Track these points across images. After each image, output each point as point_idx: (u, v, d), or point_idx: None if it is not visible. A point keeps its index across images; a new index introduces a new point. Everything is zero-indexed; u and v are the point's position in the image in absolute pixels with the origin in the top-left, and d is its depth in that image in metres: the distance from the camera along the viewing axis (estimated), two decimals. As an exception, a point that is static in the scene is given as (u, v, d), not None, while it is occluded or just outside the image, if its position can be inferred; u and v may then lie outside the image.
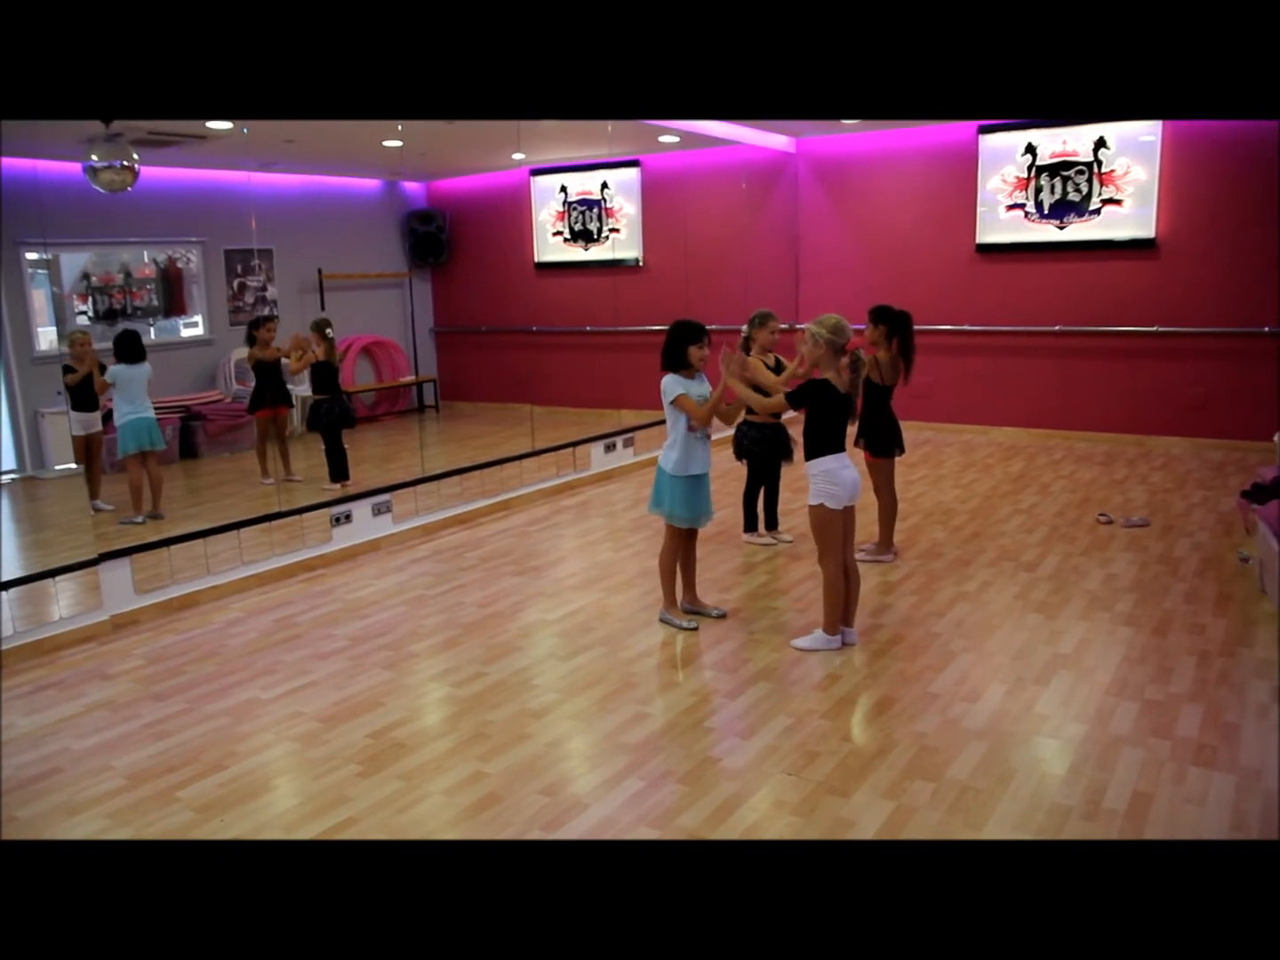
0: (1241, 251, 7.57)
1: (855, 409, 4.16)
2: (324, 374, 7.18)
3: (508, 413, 10.23)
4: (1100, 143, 7.99)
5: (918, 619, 4.46)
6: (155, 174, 7.61)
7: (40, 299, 7.56)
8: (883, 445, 5.13)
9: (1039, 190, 8.29)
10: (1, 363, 7.14)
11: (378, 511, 5.98)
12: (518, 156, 9.88)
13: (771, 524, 5.74)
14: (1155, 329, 8.00)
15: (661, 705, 3.68)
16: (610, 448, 7.81)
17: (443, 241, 10.95)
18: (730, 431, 5.56)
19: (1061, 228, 8.25)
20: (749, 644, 4.23)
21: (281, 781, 3.24)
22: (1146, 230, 7.91)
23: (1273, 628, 4.21)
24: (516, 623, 4.60)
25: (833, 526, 4.03)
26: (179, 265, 8.57)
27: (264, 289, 9.14)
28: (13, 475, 7.17)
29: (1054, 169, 8.21)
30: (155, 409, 6.47)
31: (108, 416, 6.43)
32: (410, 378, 10.78)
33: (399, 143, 8.33)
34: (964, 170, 8.60)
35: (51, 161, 6.11)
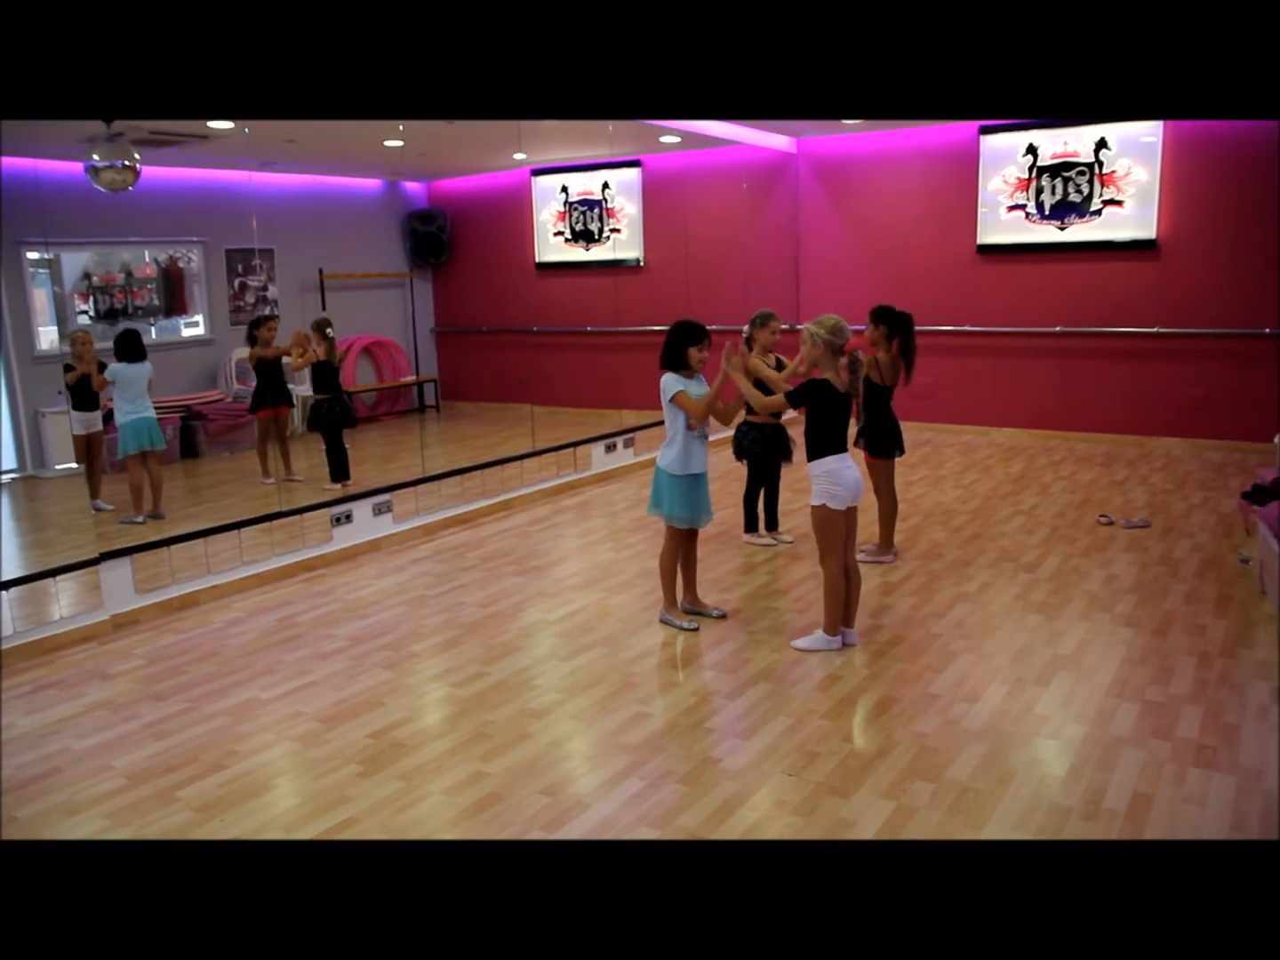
0: (1242, 253, 7.57)
1: (855, 409, 4.16)
2: (325, 374, 7.18)
3: (508, 413, 10.23)
4: (1101, 144, 7.98)
5: (918, 620, 4.46)
6: (156, 173, 7.61)
7: (41, 298, 7.57)
8: (883, 446, 5.13)
9: (1040, 191, 8.29)
10: (2, 362, 7.15)
11: (378, 511, 5.98)
12: (519, 156, 9.88)
13: (772, 524, 5.74)
14: (1156, 330, 8.00)
15: (662, 705, 3.68)
16: (611, 448, 7.82)
17: (444, 241, 10.96)
18: (730, 432, 5.56)
19: (1062, 228, 8.25)
20: (749, 644, 4.23)
21: (282, 781, 3.24)
22: (1147, 231, 7.91)
23: (1273, 629, 4.21)
24: (517, 623, 4.60)
25: (835, 527, 4.03)
26: (180, 265, 8.58)
27: (265, 289, 9.14)
28: (13, 475, 7.17)
29: (1055, 170, 8.21)
30: (156, 408, 6.47)
31: (108, 416, 6.44)
32: (411, 378, 10.79)
33: (400, 143, 8.33)
34: (965, 171, 8.60)
35: (53, 161, 6.11)
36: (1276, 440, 6.05)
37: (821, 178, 9.42)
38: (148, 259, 8.39)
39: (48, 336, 7.49)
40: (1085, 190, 8.11)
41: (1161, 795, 2.95)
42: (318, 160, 9.17)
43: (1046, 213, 8.30)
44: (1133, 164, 7.89)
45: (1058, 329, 8.40)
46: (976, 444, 8.57)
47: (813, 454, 4.05)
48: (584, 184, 10.32)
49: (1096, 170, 8.04)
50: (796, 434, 4.65)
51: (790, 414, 4.44)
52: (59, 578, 4.57)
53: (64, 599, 4.60)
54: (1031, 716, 3.49)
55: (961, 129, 8.58)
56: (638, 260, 10.13)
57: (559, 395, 10.24)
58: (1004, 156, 8.41)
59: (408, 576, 5.37)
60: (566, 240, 10.52)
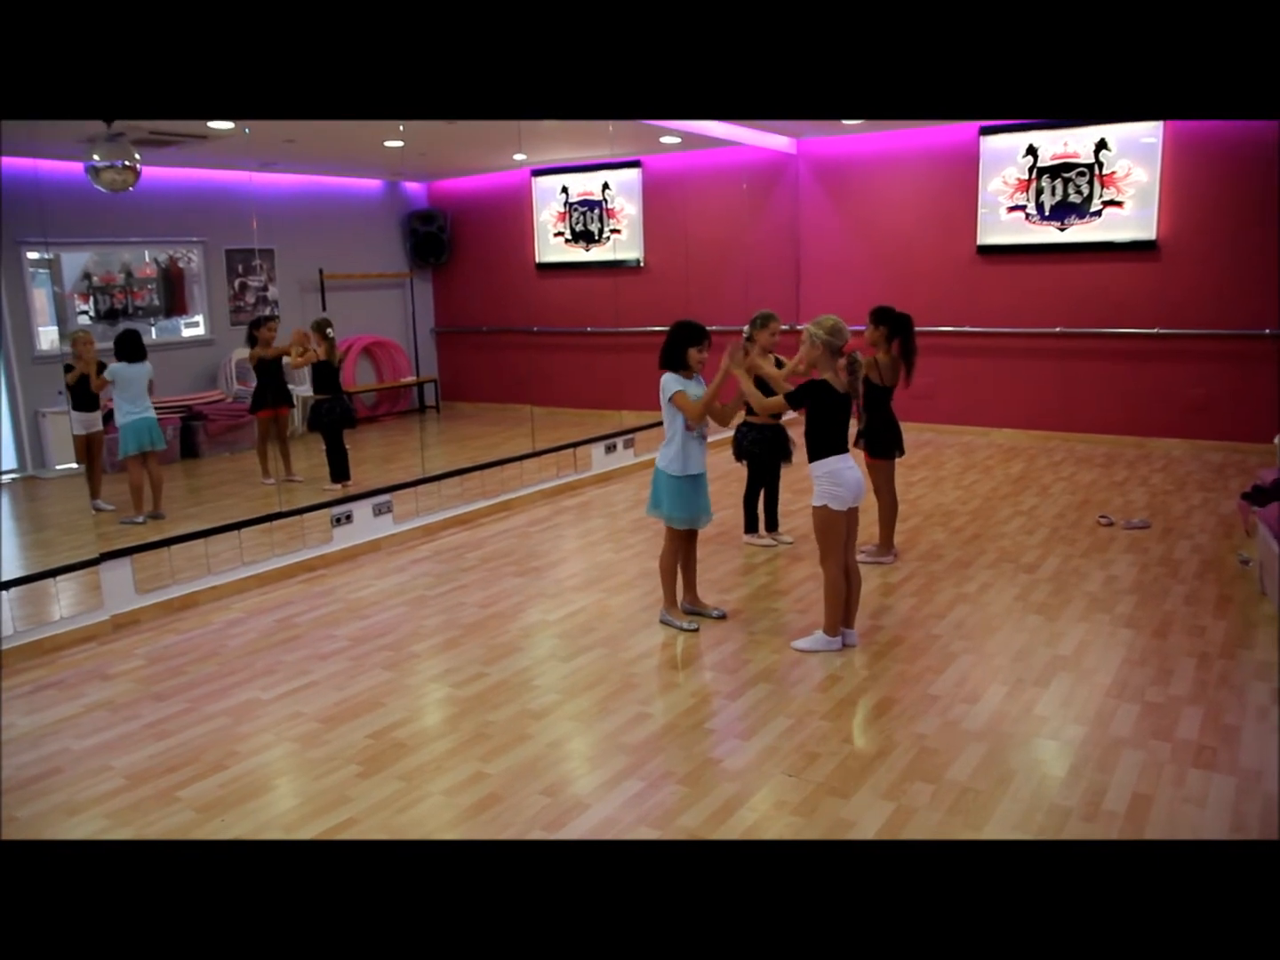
0: (1242, 254, 7.57)
1: (855, 410, 4.16)
2: (325, 374, 7.18)
3: (508, 413, 10.23)
4: (1101, 144, 7.99)
5: (918, 620, 4.46)
6: (157, 174, 7.61)
7: (41, 298, 7.57)
8: (883, 447, 5.13)
9: (1040, 192, 8.29)
10: (2, 362, 7.15)
11: (378, 512, 5.98)
12: (519, 157, 9.89)
13: (772, 525, 5.74)
14: (1156, 331, 8.00)
15: (662, 706, 3.68)
16: (611, 448, 7.82)
17: (444, 242, 10.96)
18: (730, 432, 5.56)
19: (1062, 229, 8.25)
20: (749, 645, 4.23)
21: (282, 782, 3.24)
22: (1147, 232, 7.91)
23: (1273, 630, 4.21)
24: (517, 623, 4.60)
25: (836, 528, 4.03)
26: (180, 265, 8.58)
27: (265, 289, 9.15)
28: (13, 475, 7.17)
29: (1055, 171, 8.21)
30: (156, 409, 6.47)
31: (109, 416, 6.44)
32: (411, 378, 10.79)
33: (400, 143, 8.33)
34: (965, 172, 8.61)
35: (53, 161, 6.11)
36: (1276, 441, 6.05)
37: (821, 178, 9.42)
38: (148, 259, 8.39)
39: (48, 336, 7.49)
40: (1085, 191, 8.11)
41: (1161, 796, 2.95)
42: (318, 160, 9.18)
43: (1046, 213, 8.30)
44: (1133, 165, 7.90)
45: (1058, 330, 8.40)
46: (976, 445, 8.57)
47: (814, 455, 4.05)
48: (584, 184, 10.32)
49: (1096, 171, 8.04)
50: (796, 435, 4.65)
51: (790, 415, 4.44)
52: (59, 578, 4.57)
53: (64, 599, 4.60)
54: (1031, 717, 3.49)
55: (962, 130, 8.59)
56: (638, 261, 10.13)
57: (559, 396, 10.23)
58: (1004, 157, 8.41)
59: (408, 577, 5.37)
60: (567, 241, 10.53)
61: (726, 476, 7.10)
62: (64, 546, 5.34)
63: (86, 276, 7.92)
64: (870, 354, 5.04)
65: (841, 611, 4.11)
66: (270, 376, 7.23)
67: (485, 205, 10.98)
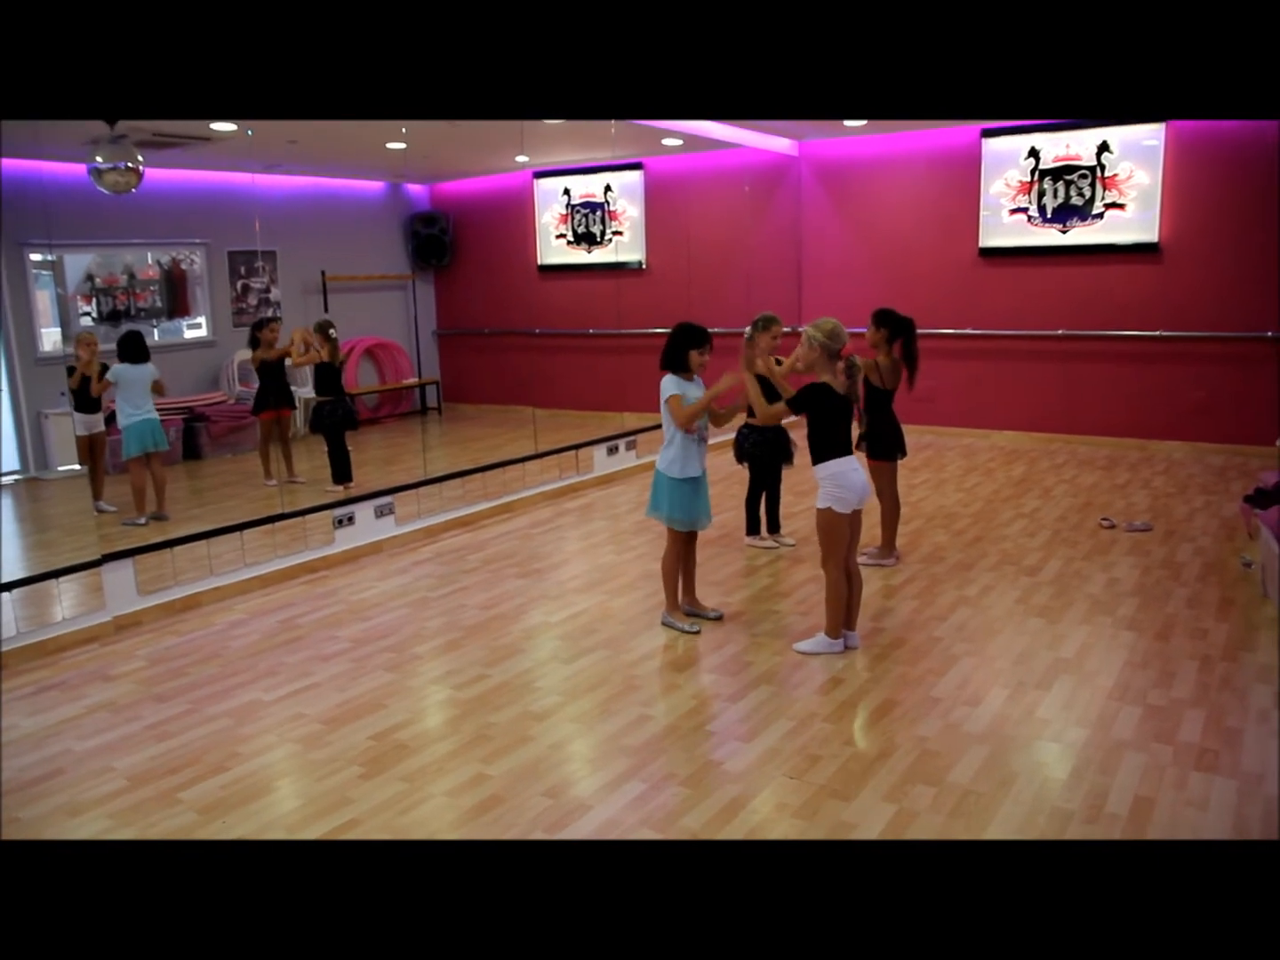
0: (1244, 256, 7.57)
1: (855, 413, 4.16)
2: (327, 375, 7.18)
3: (510, 415, 10.24)
4: (1103, 147, 7.99)
5: (920, 623, 4.46)
6: (159, 175, 7.62)
7: (44, 300, 7.58)
8: (884, 449, 5.13)
9: (1042, 194, 8.30)
10: (5, 363, 7.16)
11: (380, 513, 5.99)
12: (521, 159, 9.90)
13: (773, 527, 5.74)
14: (1158, 333, 7.99)
15: (663, 708, 3.68)
16: (613, 450, 7.82)
17: (446, 244, 10.97)
18: (731, 435, 5.57)
19: (1064, 232, 8.26)
20: (751, 647, 4.23)
21: (284, 783, 3.24)
22: (1149, 234, 7.91)
23: (1275, 632, 4.20)
24: (519, 625, 4.60)
25: (839, 530, 4.03)
26: (183, 267, 8.59)
27: (267, 290, 9.16)
28: (16, 476, 7.18)
29: (1057, 173, 8.21)
30: (158, 410, 6.48)
31: (111, 418, 6.45)
32: (413, 380, 10.79)
33: (402, 145, 8.34)
34: (967, 174, 8.61)
35: (56, 163, 6.12)
36: (1278, 444, 6.05)
37: (823, 180, 9.43)
38: (150, 261, 8.41)
39: (50, 338, 7.50)
40: (1087, 193, 8.11)
41: (1163, 799, 2.95)
42: (320, 162, 9.19)
43: (1048, 216, 8.30)
44: (1135, 167, 7.90)
45: (1059, 332, 8.40)
46: (978, 447, 8.57)
47: (817, 457, 4.05)
48: (586, 186, 10.33)
49: (1098, 173, 8.04)
50: (798, 437, 4.65)
51: (791, 417, 4.43)
52: (61, 579, 4.57)
53: (66, 600, 4.61)
54: (1033, 720, 3.49)
55: (963, 132, 8.59)
56: (640, 263, 10.13)
57: (561, 398, 10.25)
58: (1006, 159, 8.41)
59: (410, 579, 5.37)
60: (569, 243, 10.53)
61: (728, 479, 7.10)
62: (66, 548, 5.35)
63: (89, 278, 7.93)
64: (871, 356, 5.04)
65: (843, 613, 4.11)
66: (272, 378, 7.24)
67: (487, 207, 10.98)
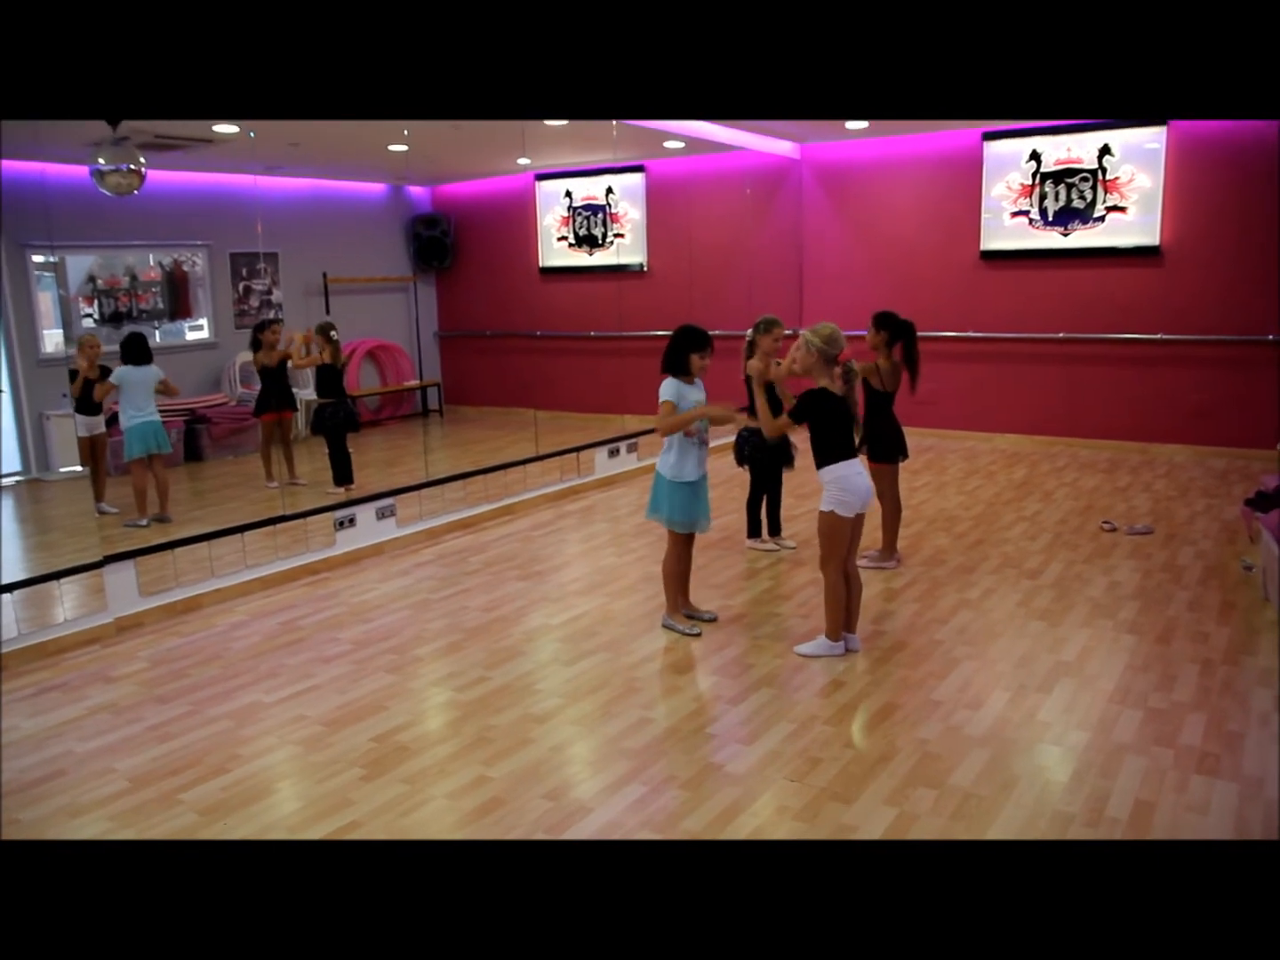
0: (1246, 259, 7.57)
1: (855, 415, 4.16)
2: (329, 377, 7.19)
3: (511, 417, 10.25)
4: (1105, 150, 7.99)
5: (921, 626, 4.46)
6: (161, 177, 7.64)
7: (46, 301, 7.59)
8: (885, 451, 5.13)
9: (1043, 197, 8.30)
10: (7, 364, 7.17)
11: (381, 515, 5.99)
12: (523, 161, 9.91)
13: (774, 530, 5.74)
14: (1159, 336, 8.00)
15: (664, 710, 3.68)
16: (614, 453, 7.82)
17: (447, 246, 10.98)
18: (731, 438, 5.57)
19: (1066, 235, 8.26)
20: (752, 650, 4.23)
21: (285, 785, 3.24)
22: (1151, 238, 7.91)
23: (1275, 636, 4.20)
24: (520, 627, 4.60)
25: (841, 534, 4.03)
26: (184, 268, 8.60)
27: (269, 292, 9.17)
28: (17, 477, 7.19)
29: (1058, 176, 8.21)
30: (160, 412, 6.49)
31: (112, 419, 6.46)
32: (414, 382, 10.80)
33: (404, 147, 8.35)
34: (968, 177, 8.61)
35: (58, 164, 6.14)
36: (1279, 447, 6.05)
37: (825, 183, 9.43)
38: (152, 262, 8.42)
39: (52, 339, 7.51)
40: (1089, 196, 8.11)
41: (1164, 803, 2.95)
42: (322, 164, 9.20)
43: (1050, 219, 8.31)
44: (1136, 170, 7.90)
45: (1061, 335, 8.40)
46: (979, 450, 8.57)
47: (821, 461, 4.04)
48: (588, 189, 10.34)
49: (1100, 176, 8.04)
50: (798, 439, 4.65)
51: (795, 427, 4.44)
52: (63, 580, 4.58)
53: (68, 602, 4.61)
54: (1034, 723, 3.49)
55: (965, 135, 8.59)
56: (641, 265, 10.14)
57: (562, 400, 10.26)
58: (1007, 162, 8.42)
59: (411, 580, 5.37)
60: (570, 245, 10.54)
61: (729, 481, 7.10)
62: (68, 549, 5.35)
63: (91, 279, 7.95)
64: (871, 358, 5.06)
65: (843, 616, 4.11)
66: (274, 380, 7.24)
67: (489, 209, 10.99)
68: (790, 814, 2.95)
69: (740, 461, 5.56)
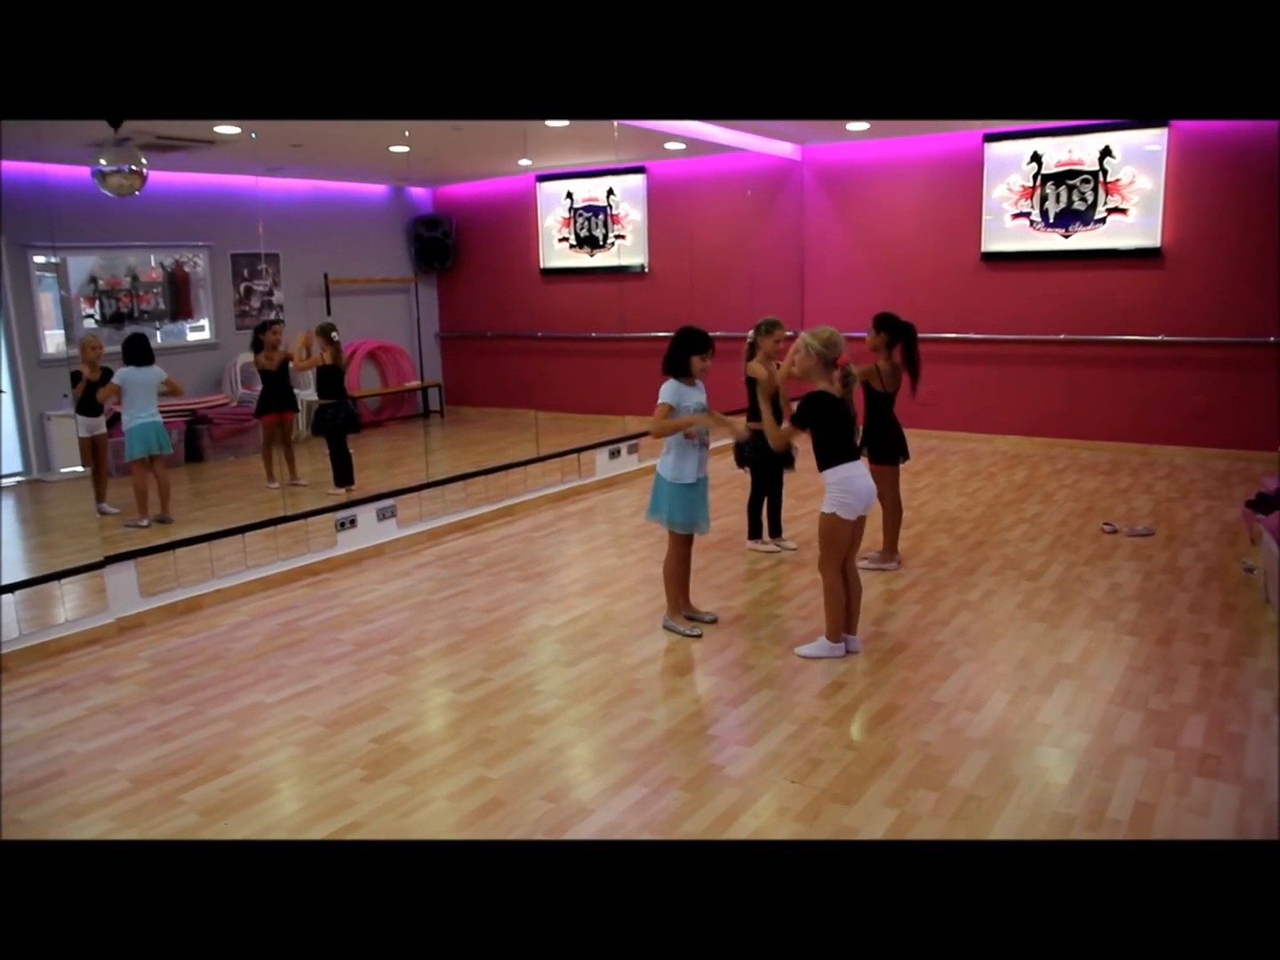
0: (1247, 261, 7.57)
1: (855, 416, 4.16)
2: (330, 378, 7.19)
3: (512, 418, 10.25)
4: (1106, 151, 7.99)
5: (921, 627, 4.46)
6: (163, 178, 7.65)
7: (48, 302, 7.60)
8: (885, 453, 5.13)
9: (1044, 199, 8.30)
10: (8, 365, 7.17)
11: (382, 516, 5.99)
12: (524, 162, 9.91)
13: (775, 531, 5.74)
14: (1160, 338, 8.00)
15: (665, 712, 3.68)
16: (615, 454, 7.82)
17: (449, 247, 10.98)
18: (731, 439, 5.56)
19: (1067, 236, 8.26)
20: (752, 651, 4.23)
21: (285, 786, 3.25)
22: (1152, 240, 7.91)
23: (1276, 638, 4.20)
24: (520, 628, 4.60)
25: (841, 536, 4.04)
26: (186, 269, 8.60)
27: (270, 293, 9.17)
28: (19, 478, 7.19)
29: (1059, 178, 8.21)
30: (161, 413, 6.49)
31: (114, 419, 6.46)
32: (415, 383, 10.81)
33: (406, 148, 8.36)
34: (969, 178, 8.61)
35: (60, 165, 6.14)
36: (1281, 449, 6.04)
37: (826, 185, 9.43)
38: (154, 263, 8.42)
39: (54, 340, 7.52)
40: (1090, 198, 8.11)
41: (1165, 805, 2.95)
42: (324, 165, 9.21)
43: (1051, 220, 8.31)
44: (1137, 172, 7.90)
45: (1062, 337, 8.40)
46: (980, 451, 8.57)
47: (823, 463, 4.04)
48: (589, 190, 10.34)
49: (1101, 178, 8.04)
50: (798, 440, 4.64)
51: (800, 434, 4.43)
52: (64, 581, 4.58)
53: (69, 602, 4.61)
54: (1035, 725, 3.49)
55: (966, 137, 8.60)
56: (642, 266, 10.14)
57: (563, 401, 10.26)
58: (1008, 164, 8.42)
59: (412, 581, 5.37)
60: (571, 246, 10.54)
61: (729, 483, 7.10)
62: (69, 549, 5.35)
63: (92, 280, 7.95)
64: (871, 360, 5.06)
65: (842, 616, 4.11)
66: (275, 381, 7.25)
67: (490, 210, 11.00)
68: (791, 815, 2.95)
69: (741, 463, 5.56)
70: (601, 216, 10.31)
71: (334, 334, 7.14)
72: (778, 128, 8.68)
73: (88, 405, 6.28)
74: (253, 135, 6.88)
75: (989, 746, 3.34)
